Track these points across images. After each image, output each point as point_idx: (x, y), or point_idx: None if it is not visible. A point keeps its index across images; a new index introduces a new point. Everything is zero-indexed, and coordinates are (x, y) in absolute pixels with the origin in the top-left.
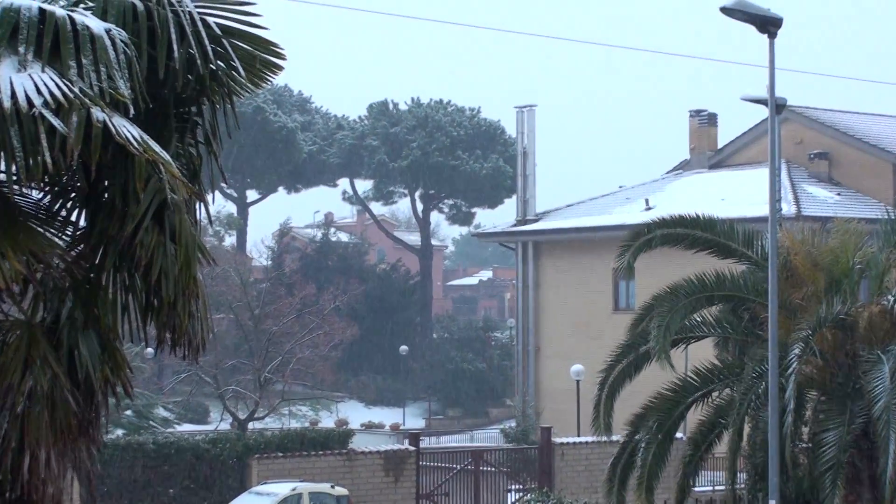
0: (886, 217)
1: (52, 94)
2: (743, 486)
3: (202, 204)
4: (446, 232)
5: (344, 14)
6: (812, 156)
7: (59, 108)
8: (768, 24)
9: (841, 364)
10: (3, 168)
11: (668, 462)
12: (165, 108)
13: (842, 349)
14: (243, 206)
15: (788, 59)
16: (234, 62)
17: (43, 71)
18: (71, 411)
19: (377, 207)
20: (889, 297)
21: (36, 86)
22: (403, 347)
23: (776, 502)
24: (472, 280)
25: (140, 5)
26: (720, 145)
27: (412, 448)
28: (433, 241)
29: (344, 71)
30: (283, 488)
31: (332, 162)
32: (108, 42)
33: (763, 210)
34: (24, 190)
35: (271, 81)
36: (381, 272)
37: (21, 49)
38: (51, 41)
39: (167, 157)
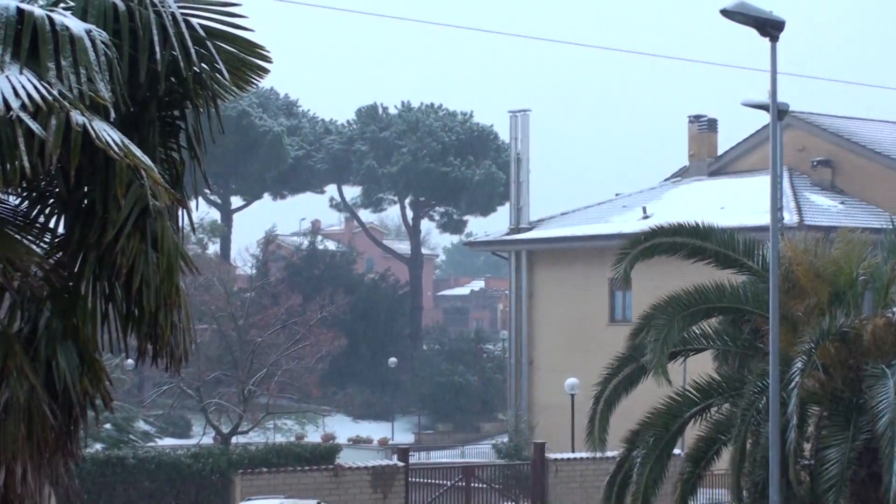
0: (891, 226)
1: (30, 96)
2: None
3: (185, 210)
4: (437, 240)
5: (332, 15)
6: (815, 163)
7: (37, 111)
8: (770, 27)
9: (844, 378)
10: None
11: (666, 479)
12: (147, 112)
13: (845, 363)
14: (227, 213)
15: (791, 63)
16: (218, 64)
17: (21, 73)
18: (48, 424)
19: (366, 215)
20: (894, 309)
21: (13, 88)
22: (392, 360)
23: None
24: (463, 290)
25: (121, 6)
26: (720, 152)
27: (401, 464)
28: (423, 250)
29: (332, 74)
30: None
31: (320, 168)
32: (88, 43)
33: (764, 219)
34: (0, 196)
35: (257, 84)
36: (369, 282)
37: None
38: (29, 42)
39: (149, 162)
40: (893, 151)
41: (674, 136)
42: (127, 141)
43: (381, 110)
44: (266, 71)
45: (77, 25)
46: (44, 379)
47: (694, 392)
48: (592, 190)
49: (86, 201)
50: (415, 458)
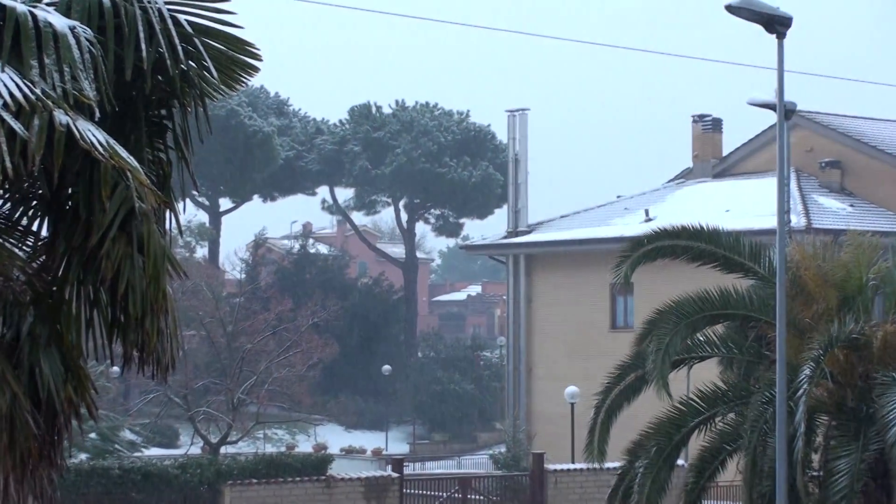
0: None
1: (11, 95)
2: None
3: (172, 213)
4: (432, 244)
5: (324, 11)
6: (823, 164)
7: (19, 110)
8: (777, 24)
9: (854, 387)
10: None
11: (669, 491)
12: (133, 111)
13: (855, 371)
14: (216, 216)
15: (798, 61)
16: (206, 62)
17: (2, 71)
18: (31, 434)
19: (359, 217)
20: None
21: None
22: (386, 367)
23: None
24: (459, 295)
25: (106, 2)
26: (725, 153)
27: (395, 475)
28: (418, 254)
29: (324, 72)
30: None
31: (311, 169)
32: (72, 40)
33: (771, 222)
34: None
35: (246, 83)
36: (362, 287)
37: None
38: (11, 39)
39: (135, 163)
40: None
41: (677, 136)
42: (112, 141)
43: (374, 109)
44: (256, 69)
45: (61, 22)
46: (26, 387)
47: (698, 401)
48: (593, 192)
49: (70, 203)
50: (409, 469)
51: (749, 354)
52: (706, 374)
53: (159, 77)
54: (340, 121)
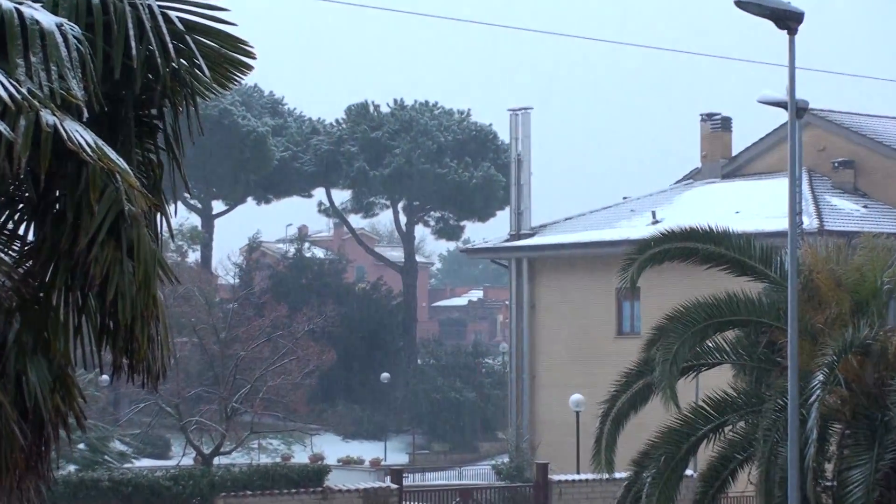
0: None
1: None
2: None
3: (163, 216)
4: (432, 247)
5: (319, 7)
6: (836, 164)
7: (4, 110)
8: (788, 19)
9: (868, 394)
10: None
11: (678, 502)
12: (123, 111)
13: (869, 377)
14: (208, 219)
15: (810, 58)
16: (198, 60)
17: None
18: (18, 445)
19: (356, 220)
20: None
21: None
22: (385, 375)
23: None
24: (460, 301)
25: None
26: (735, 152)
27: (394, 486)
28: (418, 258)
29: (320, 70)
30: None
31: (307, 170)
32: (59, 38)
33: (782, 224)
34: None
35: (239, 82)
36: (360, 292)
37: None
38: None
39: (124, 165)
40: None
41: (685, 135)
42: (101, 142)
43: (372, 108)
44: (249, 67)
45: (47, 19)
46: (13, 396)
47: (708, 409)
48: (598, 193)
49: (57, 207)
50: (409, 480)
51: (760, 361)
52: (715, 381)
53: (149, 76)
54: (337, 120)
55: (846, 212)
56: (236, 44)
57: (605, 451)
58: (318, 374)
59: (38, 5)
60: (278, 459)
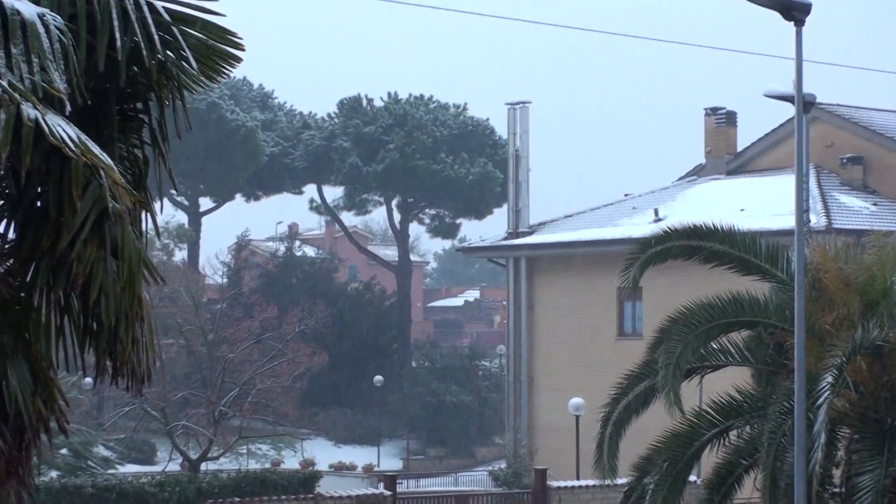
0: None
1: None
2: None
3: (148, 213)
4: (427, 246)
5: None
6: (844, 160)
7: None
8: (795, 11)
9: (878, 397)
10: None
11: None
12: (107, 105)
13: (879, 380)
14: (195, 216)
15: (818, 51)
16: (185, 52)
17: None
18: None
19: (348, 218)
20: None
21: None
22: (378, 378)
23: None
24: (456, 301)
25: None
26: (740, 148)
27: (388, 493)
28: (412, 257)
29: (311, 62)
30: None
31: (298, 166)
32: (41, 29)
33: (788, 222)
34: None
35: (228, 74)
36: (352, 292)
37: None
38: None
39: (108, 160)
40: None
41: (689, 130)
42: (84, 137)
43: (365, 102)
44: (238, 59)
45: (29, 9)
46: None
47: (712, 413)
48: (599, 190)
49: (38, 203)
50: (403, 487)
51: (767, 363)
52: (720, 384)
53: (135, 68)
54: (329, 114)
55: (855, 209)
56: (225, 35)
57: (606, 457)
58: (308, 377)
59: None
60: (268, 465)
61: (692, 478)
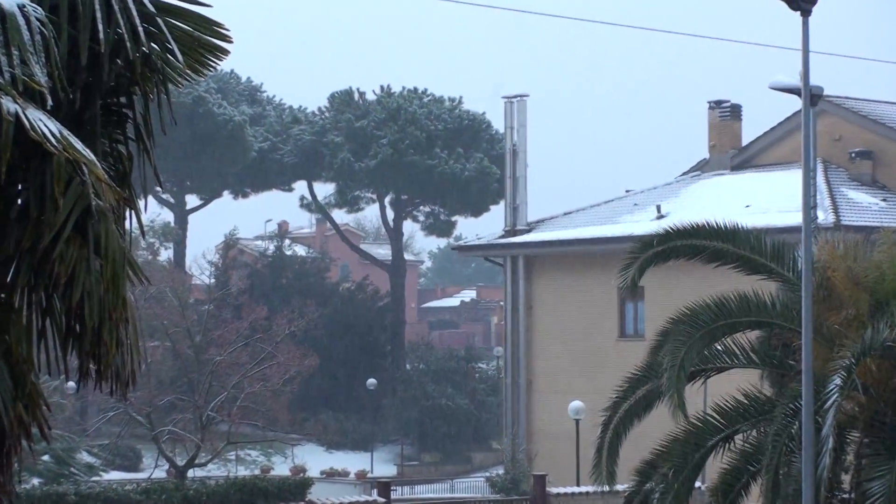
0: None
1: None
2: None
3: (133, 211)
4: (422, 244)
5: None
6: (853, 154)
7: None
8: (802, 0)
9: (888, 400)
10: None
11: None
12: (89, 99)
13: (889, 382)
14: (182, 214)
15: (825, 41)
16: (170, 44)
17: None
18: None
19: (340, 215)
20: None
21: None
22: (371, 381)
23: None
24: (452, 301)
25: None
26: (745, 142)
27: (382, 500)
28: (406, 256)
29: (301, 55)
30: None
31: (287, 162)
32: (21, 21)
33: (795, 219)
34: None
35: (215, 67)
36: (344, 292)
37: None
38: None
39: (91, 156)
40: None
41: (692, 124)
42: (66, 132)
43: (357, 96)
44: (225, 52)
45: (8, 0)
46: None
47: (717, 417)
48: (599, 186)
49: (19, 201)
50: (397, 494)
51: (773, 365)
52: (725, 387)
53: (118, 61)
54: (319, 108)
55: (864, 205)
56: (211, 26)
57: (607, 462)
58: (299, 381)
59: None
60: (257, 472)
61: (697, 484)
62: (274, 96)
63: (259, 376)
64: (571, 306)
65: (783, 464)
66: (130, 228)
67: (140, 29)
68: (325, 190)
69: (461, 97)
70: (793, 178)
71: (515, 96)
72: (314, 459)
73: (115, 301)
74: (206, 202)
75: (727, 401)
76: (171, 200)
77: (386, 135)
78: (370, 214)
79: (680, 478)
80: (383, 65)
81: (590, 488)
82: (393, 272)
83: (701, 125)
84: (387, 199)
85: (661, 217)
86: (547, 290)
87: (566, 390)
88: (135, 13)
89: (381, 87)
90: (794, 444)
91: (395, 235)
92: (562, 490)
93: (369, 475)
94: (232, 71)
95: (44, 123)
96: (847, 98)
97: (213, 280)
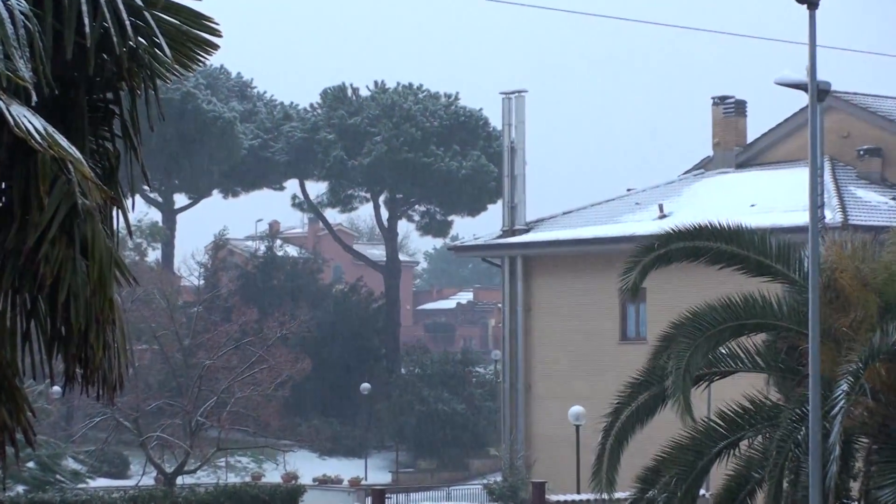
0: None
1: None
2: None
3: (120, 211)
4: (417, 245)
5: None
6: (861, 152)
7: None
8: None
9: None
10: None
11: None
12: (75, 95)
13: None
14: (170, 214)
15: (833, 36)
16: (158, 39)
17: None
18: None
19: (333, 215)
20: None
21: None
22: (365, 385)
23: None
24: (448, 303)
25: None
26: (750, 139)
27: None
28: (401, 256)
29: (293, 50)
30: None
31: (278, 159)
32: (4, 14)
33: (802, 218)
34: None
35: (204, 62)
36: (337, 294)
37: None
38: None
39: (77, 153)
40: None
41: (695, 121)
42: (51, 129)
43: (350, 92)
44: (215, 46)
45: None
46: None
47: (721, 423)
48: (600, 185)
49: (3, 200)
50: (392, 501)
51: (780, 369)
52: (729, 392)
53: (104, 56)
54: (311, 105)
55: (872, 204)
56: (200, 20)
57: (607, 469)
58: (291, 385)
59: None
60: (248, 479)
61: (702, 491)
62: (265, 92)
63: (250, 381)
64: (571, 308)
65: (790, 471)
66: (117, 228)
67: (127, 23)
68: (317, 189)
69: (457, 93)
70: (799, 177)
71: (514, 92)
72: (306, 466)
73: (102, 303)
74: (194, 201)
75: (732, 406)
76: (159, 199)
77: (380, 132)
78: (364, 214)
79: (683, 485)
80: (377, 59)
81: (590, 496)
82: (387, 273)
83: (705, 122)
84: (381, 198)
85: (663, 217)
86: (546, 291)
87: (566, 395)
88: (121, 6)
89: (375, 83)
90: (801, 450)
91: (389, 235)
92: (561, 498)
93: (363, 482)
94: (221, 66)
95: (28, 120)
96: (855, 94)
97: (202, 281)
